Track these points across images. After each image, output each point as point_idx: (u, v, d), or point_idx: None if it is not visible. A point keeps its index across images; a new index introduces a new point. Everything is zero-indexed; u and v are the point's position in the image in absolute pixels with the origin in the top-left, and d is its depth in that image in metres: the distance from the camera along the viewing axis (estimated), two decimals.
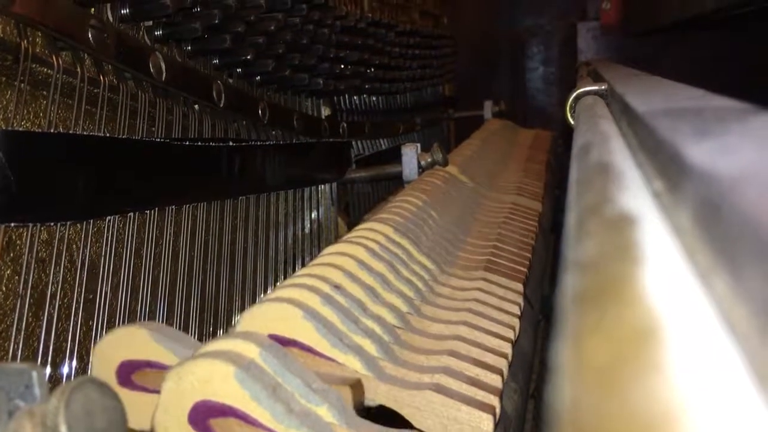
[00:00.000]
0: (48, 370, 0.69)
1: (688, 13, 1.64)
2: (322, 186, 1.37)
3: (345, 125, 1.52)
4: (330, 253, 0.77)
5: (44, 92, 0.74)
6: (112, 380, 0.58)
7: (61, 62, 0.72)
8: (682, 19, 1.74)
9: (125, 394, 0.55)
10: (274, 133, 1.20)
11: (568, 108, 0.99)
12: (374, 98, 1.80)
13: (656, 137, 0.35)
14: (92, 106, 0.77)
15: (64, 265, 0.72)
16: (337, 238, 1.31)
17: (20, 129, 0.69)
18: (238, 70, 1.09)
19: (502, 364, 0.68)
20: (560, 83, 2.96)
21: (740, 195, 0.21)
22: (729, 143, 0.30)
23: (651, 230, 0.26)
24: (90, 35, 0.75)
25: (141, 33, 0.88)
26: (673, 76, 0.79)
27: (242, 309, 1.01)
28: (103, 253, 0.77)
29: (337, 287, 0.67)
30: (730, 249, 0.21)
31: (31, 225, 0.68)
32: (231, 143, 1.03)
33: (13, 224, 0.67)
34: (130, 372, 0.59)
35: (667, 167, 0.31)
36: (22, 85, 0.69)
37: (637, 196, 0.31)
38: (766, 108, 0.38)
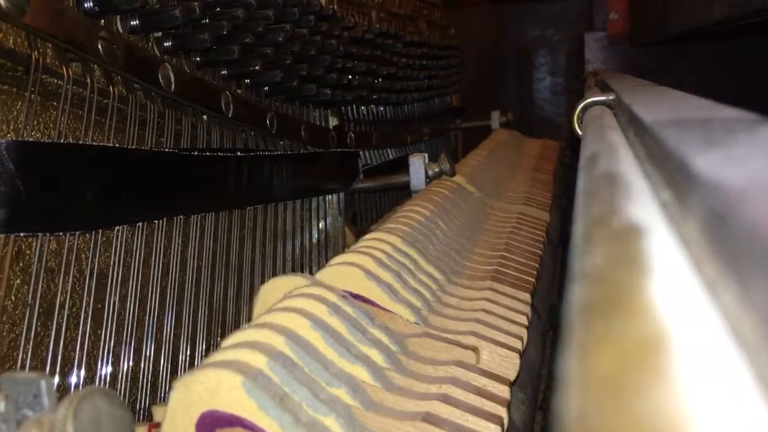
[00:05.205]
0: (56, 379, 0.69)
1: (696, 24, 1.64)
2: (330, 196, 1.37)
3: (352, 135, 1.53)
4: (337, 263, 0.77)
5: (54, 103, 0.74)
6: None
7: (71, 73, 0.73)
8: (690, 30, 1.74)
9: None
10: (281, 143, 1.20)
11: (575, 118, 1.00)
12: (382, 108, 1.81)
13: (664, 148, 0.35)
14: (102, 117, 0.78)
15: (72, 274, 0.73)
16: (344, 248, 1.31)
17: (30, 139, 0.70)
18: (247, 80, 1.09)
19: (510, 374, 0.68)
20: (567, 93, 2.96)
21: (747, 205, 0.21)
22: (736, 154, 0.30)
23: (658, 241, 0.26)
24: (100, 46, 0.76)
25: (150, 44, 0.88)
26: (681, 87, 0.78)
27: (250, 319, 1.01)
28: (111, 263, 0.77)
29: (344, 297, 0.68)
30: (738, 259, 0.21)
31: (40, 235, 0.68)
32: (239, 153, 1.03)
33: (22, 234, 0.68)
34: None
35: (675, 178, 0.31)
36: (33, 95, 0.69)
37: (644, 206, 0.31)
38: None
